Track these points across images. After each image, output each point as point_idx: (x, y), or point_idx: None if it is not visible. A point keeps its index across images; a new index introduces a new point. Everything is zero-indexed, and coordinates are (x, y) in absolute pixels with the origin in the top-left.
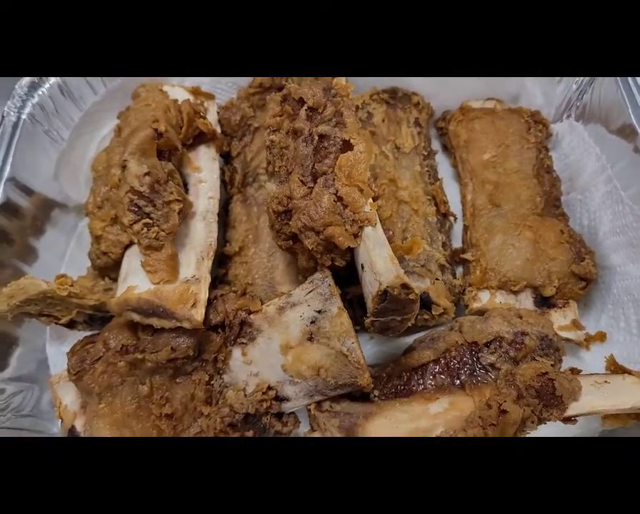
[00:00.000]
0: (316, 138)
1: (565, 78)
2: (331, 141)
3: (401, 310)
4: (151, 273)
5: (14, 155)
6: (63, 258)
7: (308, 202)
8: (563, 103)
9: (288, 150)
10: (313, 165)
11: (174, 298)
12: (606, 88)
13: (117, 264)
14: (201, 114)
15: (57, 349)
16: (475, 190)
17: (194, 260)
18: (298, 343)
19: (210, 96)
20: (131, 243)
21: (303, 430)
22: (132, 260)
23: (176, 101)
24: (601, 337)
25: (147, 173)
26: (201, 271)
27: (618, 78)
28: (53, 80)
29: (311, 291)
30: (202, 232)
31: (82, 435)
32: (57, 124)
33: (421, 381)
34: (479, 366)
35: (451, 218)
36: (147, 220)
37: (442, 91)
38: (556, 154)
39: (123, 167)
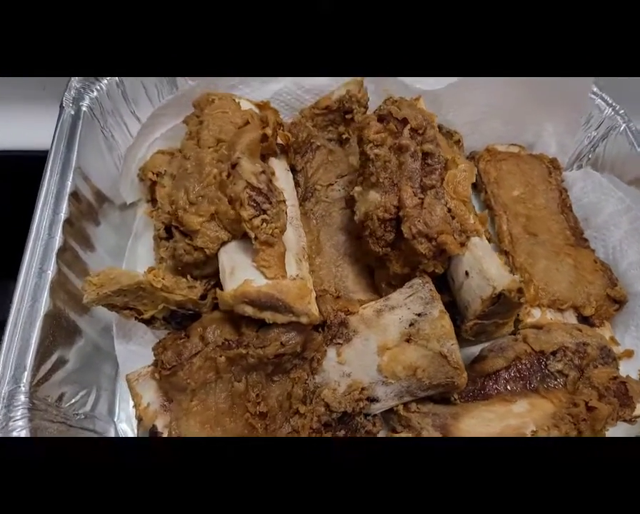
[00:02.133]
0: (420, 155)
1: (578, 133)
2: (436, 159)
3: (505, 314)
4: (266, 267)
5: (79, 144)
6: (112, 252)
7: (423, 211)
8: (574, 154)
9: (390, 164)
10: (421, 179)
11: (293, 292)
12: (619, 143)
13: (208, 261)
14: (282, 126)
15: (124, 347)
16: (510, 221)
17: (294, 261)
18: (395, 344)
19: (275, 112)
20: (229, 240)
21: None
22: (235, 256)
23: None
24: (629, 354)
25: (263, 171)
26: (303, 271)
27: (630, 134)
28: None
29: (410, 295)
30: (293, 236)
31: (165, 435)
32: (110, 123)
33: (495, 386)
34: (548, 372)
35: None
36: (265, 216)
37: (469, 134)
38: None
39: (234, 165)
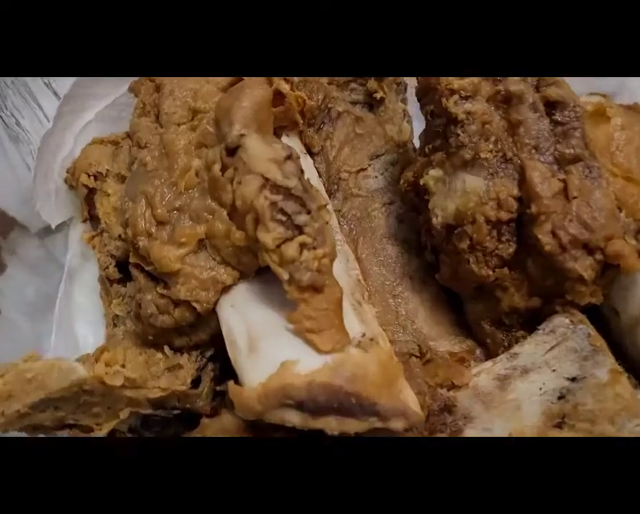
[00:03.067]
0: (543, 107)
1: None
2: (571, 112)
3: None
4: (316, 333)
5: None
6: (30, 311)
7: (573, 202)
8: None
9: (493, 128)
10: (555, 147)
11: (374, 375)
12: None
13: (200, 321)
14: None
15: None
16: None
17: (349, 309)
18: (537, 433)
19: None
20: (235, 282)
21: None
22: (253, 314)
23: None
24: None
25: (288, 156)
26: (371, 325)
27: None
28: None
29: (554, 347)
30: (337, 263)
31: None
32: (13, 101)
33: None
34: None
35: None
36: (304, 238)
37: None
38: None
39: (233, 149)
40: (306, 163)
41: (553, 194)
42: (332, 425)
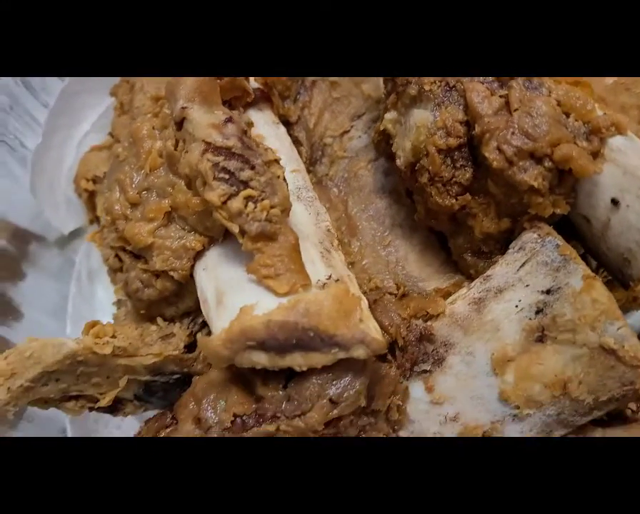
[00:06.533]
0: None
1: None
2: None
3: None
4: (272, 278)
5: None
6: (56, 312)
7: (515, 115)
8: None
9: None
10: None
11: (330, 308)
12: None
13: (182, 289)
14: None
15: None
16: None
17: (317, 256)
18: (520, 350)
19: None
20: (205, 247)
21: None
22: (220, 271)
23: None
24: None
25: (229, 119)
26: (337, 268)
27: None
28: None
29: (525, 263)
30: (306, 216)
31: None
32: (15, 125)
33: None
34: None
35: None
36: (249, 191)
37: None
38: None
39: (180, 122)
40: (278, 132)
41: (494, 111)
42: (298, 361)
